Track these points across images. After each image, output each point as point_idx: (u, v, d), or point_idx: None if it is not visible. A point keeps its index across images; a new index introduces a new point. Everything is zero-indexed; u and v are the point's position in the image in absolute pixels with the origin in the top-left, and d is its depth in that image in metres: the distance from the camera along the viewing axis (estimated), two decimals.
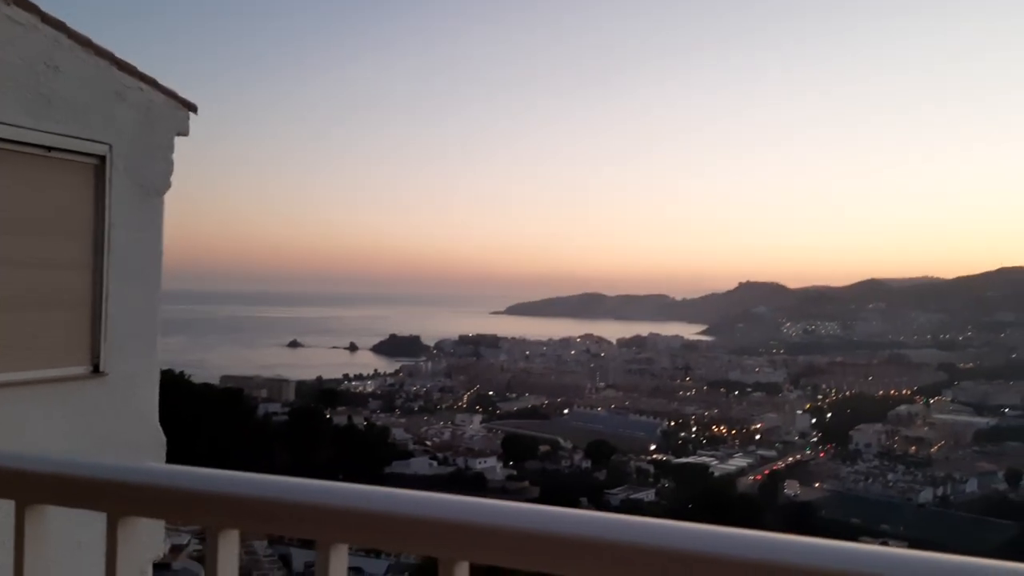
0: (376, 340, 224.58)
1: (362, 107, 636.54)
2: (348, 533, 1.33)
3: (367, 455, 76.14)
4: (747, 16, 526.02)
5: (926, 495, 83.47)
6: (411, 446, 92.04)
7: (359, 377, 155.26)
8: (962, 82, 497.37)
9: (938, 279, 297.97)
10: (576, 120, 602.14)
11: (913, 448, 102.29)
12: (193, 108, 6.34)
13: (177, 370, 60.48)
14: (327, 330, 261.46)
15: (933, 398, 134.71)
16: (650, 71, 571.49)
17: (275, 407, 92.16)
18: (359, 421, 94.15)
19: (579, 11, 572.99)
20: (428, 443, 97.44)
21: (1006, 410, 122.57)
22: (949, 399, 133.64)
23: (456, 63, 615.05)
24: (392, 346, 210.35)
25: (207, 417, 55.53)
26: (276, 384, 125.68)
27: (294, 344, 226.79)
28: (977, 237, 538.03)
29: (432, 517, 1.22)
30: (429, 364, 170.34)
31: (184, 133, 6.30)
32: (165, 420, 6.32)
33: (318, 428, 76.39)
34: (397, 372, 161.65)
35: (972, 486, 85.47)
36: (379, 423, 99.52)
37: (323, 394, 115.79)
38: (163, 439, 6.21)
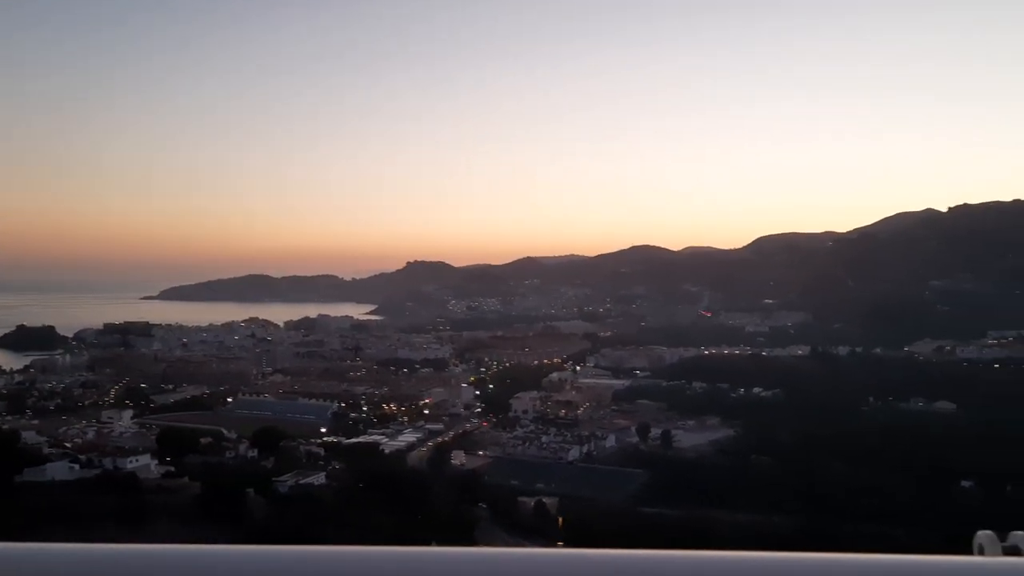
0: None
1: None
2: None
3: None
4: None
5: (574, 453, 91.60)
6: (47, 450, 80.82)
7: None
8: (617, 78, 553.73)
9: (583, 257, 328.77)
10: (243, 97, 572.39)
11: (563, 411, 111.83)
12: None
13: None
14: None
15: (579, 365, 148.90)
16: (321, 56, 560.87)
17: None
18: None
19: None
20: (68, 445, 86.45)
21: (637, 372, 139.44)
22: (592, 365, 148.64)
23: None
24: (20, 339, 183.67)
25: None
26: None
27: None
28: (614, 218, 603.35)
29: None
30: (67, 357, 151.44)
31: None
32: None
33: None
34: (27, 368, 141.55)
35: (611, 441, 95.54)
36: (5, 427, 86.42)
37: None
38: None
